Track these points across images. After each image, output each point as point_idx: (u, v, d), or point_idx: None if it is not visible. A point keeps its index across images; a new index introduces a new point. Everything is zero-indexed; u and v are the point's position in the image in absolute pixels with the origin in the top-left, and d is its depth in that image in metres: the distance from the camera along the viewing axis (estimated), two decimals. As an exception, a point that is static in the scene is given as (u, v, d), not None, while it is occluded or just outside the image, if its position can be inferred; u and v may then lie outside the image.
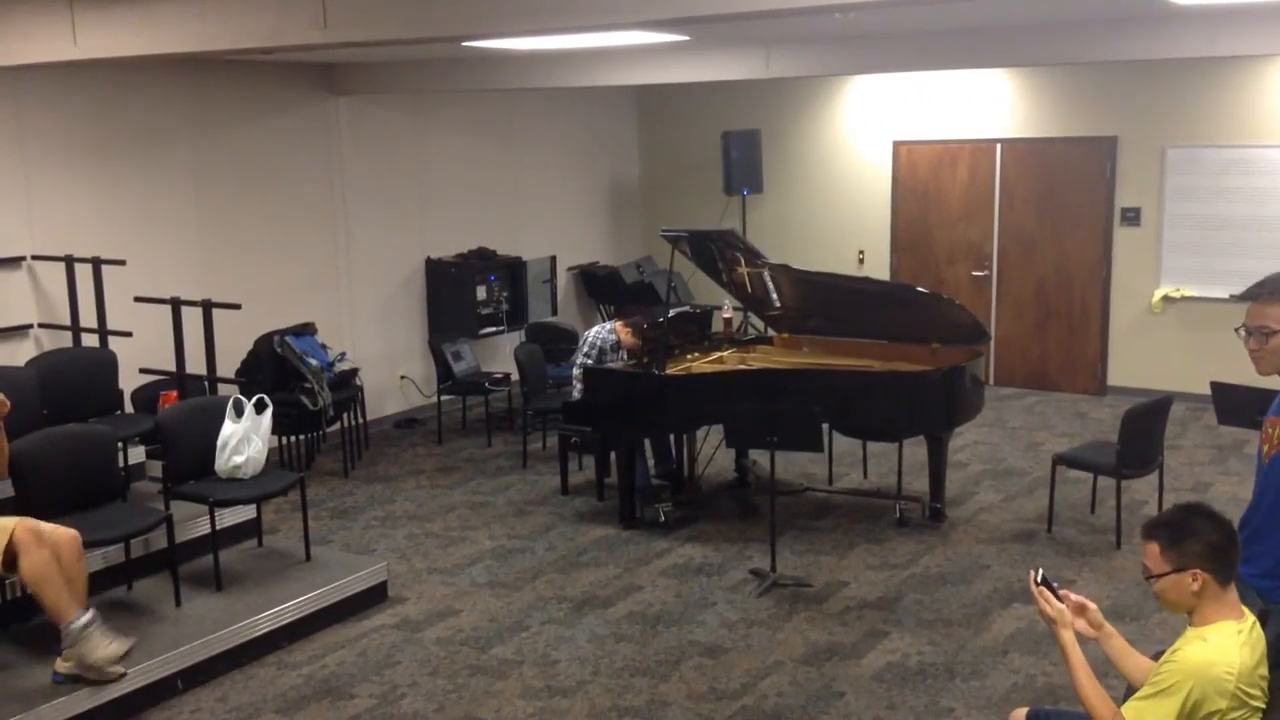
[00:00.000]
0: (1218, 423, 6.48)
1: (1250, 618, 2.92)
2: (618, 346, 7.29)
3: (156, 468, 6.25)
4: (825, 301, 7.38)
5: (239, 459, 5.77)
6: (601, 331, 7.34)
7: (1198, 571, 2.85)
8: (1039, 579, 3.13)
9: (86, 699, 4.63)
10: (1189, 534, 2.87)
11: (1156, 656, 3.04)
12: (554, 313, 10.30)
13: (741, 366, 7.18)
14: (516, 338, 9.55)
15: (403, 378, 9.58)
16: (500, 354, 9.83)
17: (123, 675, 4.68)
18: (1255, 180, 9.09)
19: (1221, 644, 2.82)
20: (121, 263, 7.03)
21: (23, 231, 7.10)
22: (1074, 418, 9.29)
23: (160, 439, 5.88)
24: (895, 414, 6.72)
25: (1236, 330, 3.38)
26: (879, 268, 10.63)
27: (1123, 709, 2.92)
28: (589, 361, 7.19)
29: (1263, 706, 2.87)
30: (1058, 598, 3.11)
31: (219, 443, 5.77)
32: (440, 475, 8.16)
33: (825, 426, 6.24)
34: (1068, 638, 3.05)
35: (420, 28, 4.50)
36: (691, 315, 7.86)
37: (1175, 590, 2.89)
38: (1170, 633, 5.13)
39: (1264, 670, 2.90)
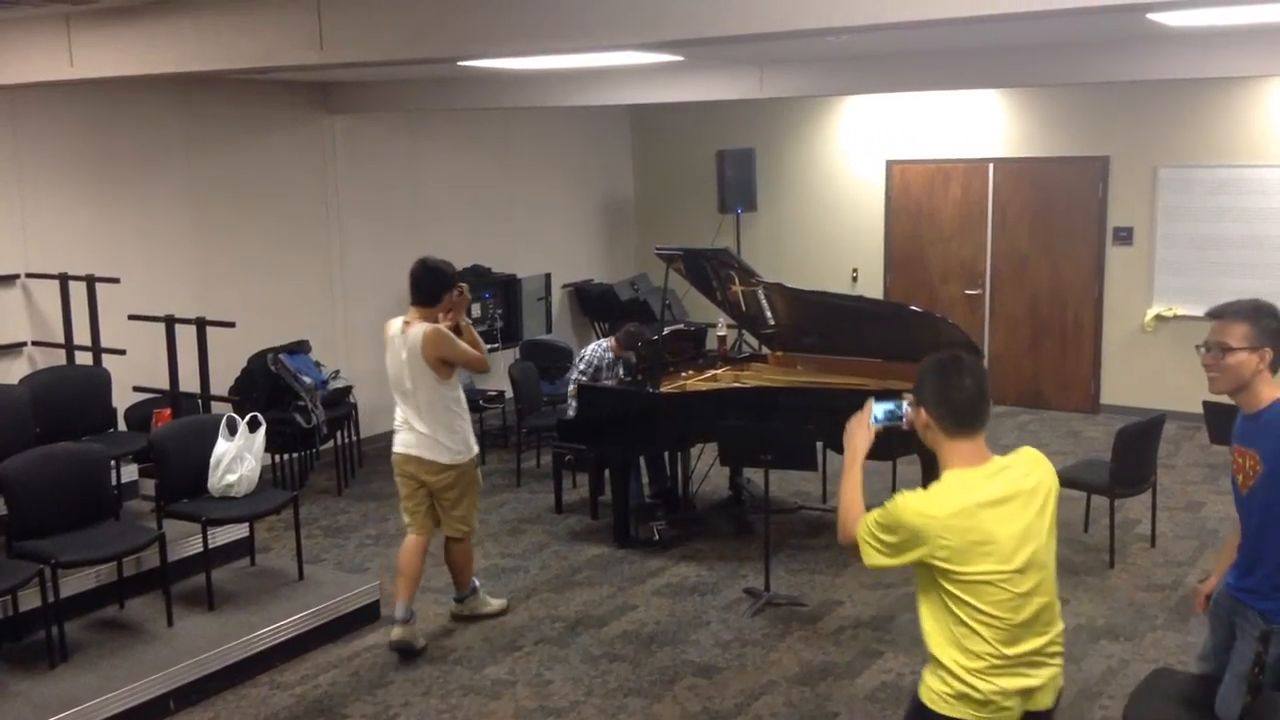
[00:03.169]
0: (1210, 442, 6.50)
1: (996, 462, 2.92)
2: (614, 365, 7.30)
3: (149, 486, 6.24)
4: (819, 320, 7.40)
5: (232, 477, 5.76)
6: (598, 350, 7.35)
7: (918, 407, 2.95)
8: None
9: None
10: (930, 378, 2.94)
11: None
12: (549, 330, 10.31)
13: (736, 384, 7.19)
14: (511, 355, 9.55)
15: (397, 395, 9.55)
16: (495, 371, 9.79)
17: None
18: (1246, 200, 9.14)
19: (936, 493, 2.89)
20: (116, 280, 7.03)
21: (17, 249, 7.10)
22: (1067, 436, 9.31)
23: (153, 457, 5.88)
24: (889, 432, 6.70)
25: (1197, 347, 3.38)
26: (872, 286, 10.66)
27: (864, 518, 2.99)
28: (584, 379, 7.19)
29: (1001, 565, 2.82)
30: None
31: (212, 461, 5.76)
32: (434, 493, 8.14)
33: (819, 445, 6.24)
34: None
35: (416, 48, 4.51)
36: (686, 333, 7.88)
37: (917, 421, 3.02)
38: (1164, 652, 5.15)
39: (985, 511, 2.84)
